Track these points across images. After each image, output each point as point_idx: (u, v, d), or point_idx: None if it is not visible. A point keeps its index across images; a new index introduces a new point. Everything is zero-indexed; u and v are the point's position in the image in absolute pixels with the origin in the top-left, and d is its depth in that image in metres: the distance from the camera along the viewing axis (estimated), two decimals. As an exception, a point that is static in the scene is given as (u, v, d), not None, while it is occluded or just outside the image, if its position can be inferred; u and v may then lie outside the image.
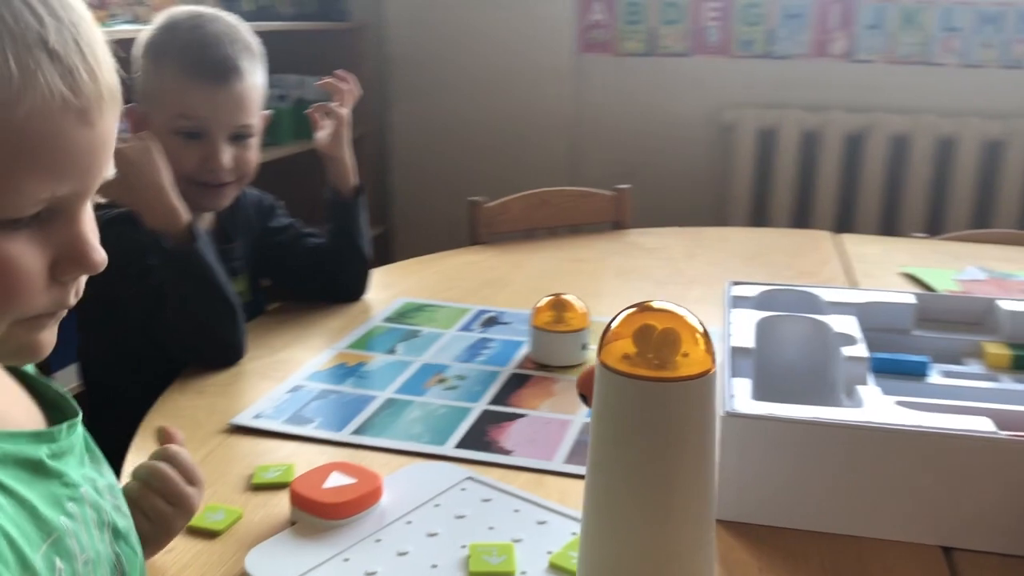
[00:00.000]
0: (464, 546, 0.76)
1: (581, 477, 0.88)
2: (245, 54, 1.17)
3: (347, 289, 1.38)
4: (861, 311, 1.03)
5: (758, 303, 1.06)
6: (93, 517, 0.58)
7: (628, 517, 0.60)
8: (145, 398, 1.04)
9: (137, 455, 0.88)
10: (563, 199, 1.85)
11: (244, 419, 0.99)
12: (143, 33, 1.18)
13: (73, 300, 0.54)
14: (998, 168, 2.58)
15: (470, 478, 0.87)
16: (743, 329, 0.97)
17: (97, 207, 0.56)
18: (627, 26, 2.85)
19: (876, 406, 0.81)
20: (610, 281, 1.50)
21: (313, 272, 1.34)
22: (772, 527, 0.79)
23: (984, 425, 0.76)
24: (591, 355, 1.17)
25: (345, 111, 1.31)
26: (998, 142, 2.56)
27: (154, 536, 0.73)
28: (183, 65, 1.13)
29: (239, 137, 1.18)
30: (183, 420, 1.00)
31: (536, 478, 0.89)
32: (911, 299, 1.07)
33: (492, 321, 1.31)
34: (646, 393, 0.57)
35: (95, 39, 0.50)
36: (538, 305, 1.17)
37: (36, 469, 0.55)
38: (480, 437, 0.96)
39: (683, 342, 0.58)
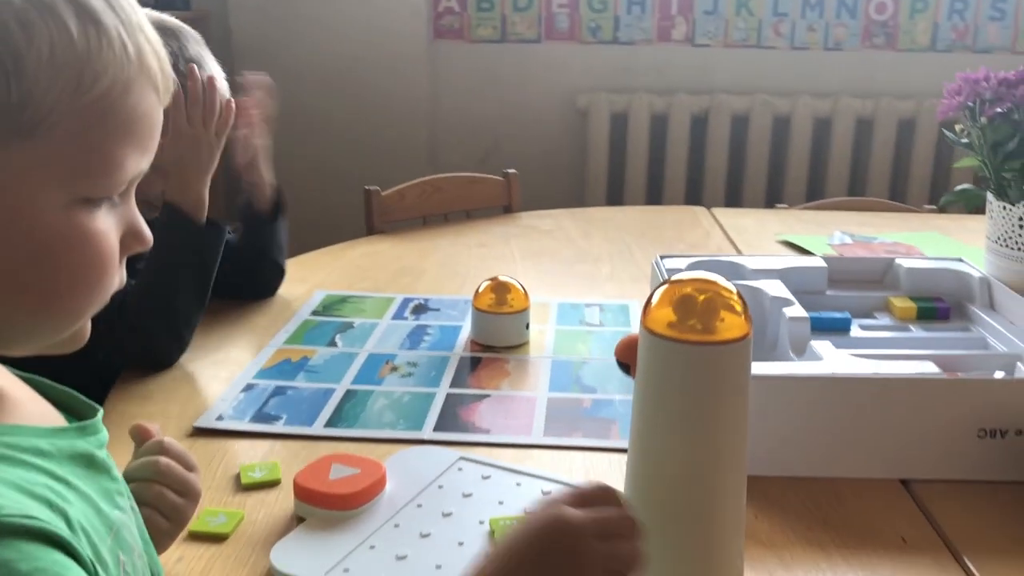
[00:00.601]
0: (482, 522, 0.78)
1: (565, 448, 0.93)
2: None
3: (261, 291, 1.35)
4: (782, 276, 1.12)
5: (691, 274, 1.13)
6: (132, 510, 0.58)
7: (672, 473, 0.64)
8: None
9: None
10: (455, 185, 1.87)
11: (207, 422, 0.97)
12: None
13: (124, 277, 0.54)
14: (828, 143, 2.81)
15: (462, 458, 0.89)
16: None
17: None
18: (479, 13, 2.89)
19: (836, 359, 0.89)
20: (521, 263, 1.54)
21: (225, 273, 1.29)
22: (754, 476, 0.86)
23: (931, 368, 0.86)
24: (535, 335, 1.21)
25: (260, 142, 1.28)
26: (827, 119, 2.79)
27: (170, 531, 0.71)
28: None
29: None
30: (138, 428, 0.96)
31: (522, 453, 0.92)
32: (822, 263, 1.17)
33: (421, 308, 1.32)
34: (693, 356, 0.62)
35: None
36: (479, 289, 1.20)
37: (89, 464, 0.54)
38: (454, 419, 0.98)
39: (721, 308, 0.63)
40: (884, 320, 1.12)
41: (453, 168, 2.01)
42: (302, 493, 0.79)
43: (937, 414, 0.85)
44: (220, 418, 0.98)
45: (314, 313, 1.30)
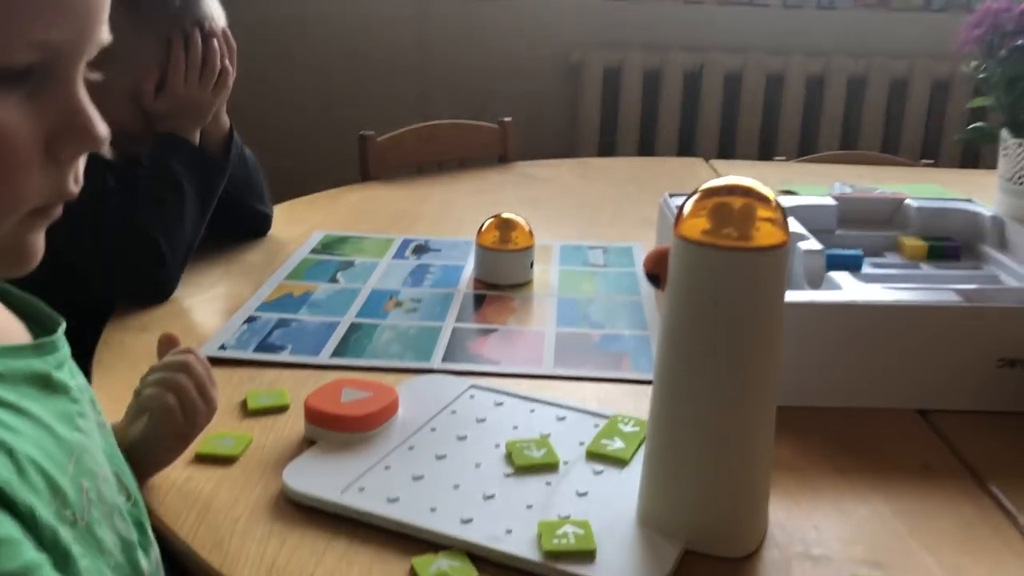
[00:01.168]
0: (498, 445, 0.76)
1: (575, 379, 0.91)
2: None
3: (250, 232, 1.31)
4: (794, 214, 1.10)
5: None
6: (97, 430, 0.55)
7: (703, 389, 0.62)
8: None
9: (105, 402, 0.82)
10: (450, 133, 1.84)
11: (209, 350, 0.94)
12: None
13: (74, 188, 0.47)
14: (820, 101, 2.79)
15: (473, 386, 0.87)
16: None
17: None
18: (471, -34, 2.84)
19: (855, 288, 0.88)
20: (520, 209, 1.51)
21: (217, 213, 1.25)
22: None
23: (954, 297, 0.85)
24: (538, 274, 1.19)
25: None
26: (819, 78, 2.77)
27: (183, 433, 0.70)
28: None
29: None
30: (137, 356, 0.93)
31: (533, 384, 0.90)
32: (831, 202, 1.15)
33: (422, 249, 1.29)
34: (730, 263, 0.60)
35: None
36: (483, 227, 1.17)
37: (46, 384, 0.50)
38: (463, 351, 0.96)
39: (759, 215, 0.61)
40: (894, 259, 1.11)
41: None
42: (313, 416, 0.77)
43: (957, 343, 0.84)
44: (223, 347, 0.95)
45: (313, 251, 1.27)
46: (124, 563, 0.52)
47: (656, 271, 0.64)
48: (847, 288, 0.88)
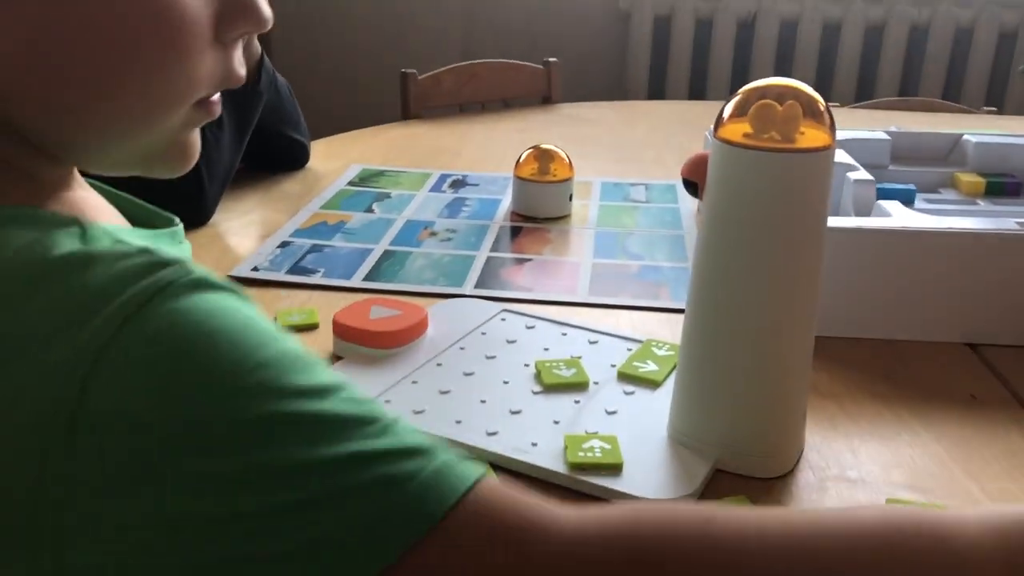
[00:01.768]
0: (527, 364, 0.74)
1: (609, 307, 0.89)
2: None
3: (288, 167, 1.30)
4: (844, 147, 1.06)
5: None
6: None
7: (740, 298, 0.60)
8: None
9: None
10: (493, 72, 1.81)
11: (242, 271, 0.94)
12: None
13: (242, 72, 0.46)
14: (878, 50, 2.70)
15: (505, 310, 0.85)
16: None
17: None
18: (521, -91, 2.78)
19: (905, 216, 0.84)
20: (562, 148, 1.48)
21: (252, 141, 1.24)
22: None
23: (1012, 225, 0.80)
24: (577, 208, 1.16)
25: None
26: (879, 26, 2.68)
27: None
28: None
29: None
30: (171, 277, 0.93)
31: (566, 310, 0.88)
32: (885, 136, 1.11)
33: (460, 183, 1.27)
34: (770, 166, 0.57)
35: None
36: (521, 158, 1.15)
37: None
38: (496, 279, 0.94)
39: (804, 117, 0.58)
40: (950, 195, 1.06)
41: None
42: (341, 331, 0.76)
43: (1013, 275, 0.80)
44: (256, 269, 0.94)
45: (350, 184, 1.25)
46: None
47: (694, 178, 0.61)
48: (897, 215, 0.84)
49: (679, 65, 2.74)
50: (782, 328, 0.60)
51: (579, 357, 0.76)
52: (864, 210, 0.91)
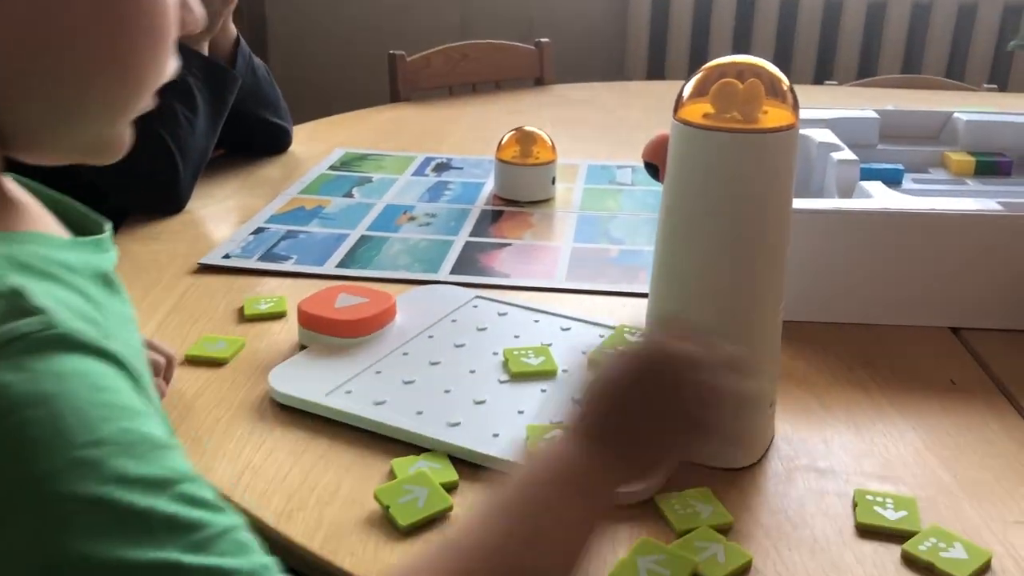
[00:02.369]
0: (496, 353, 0.73)
1: (588, 292, 0.87)
2: None
3: (269, 150, 1.29)
4: (830, 126, 1.04)
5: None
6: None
7: (700, 285, 0.58)
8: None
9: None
10: (484, 53, 1.78)
11: (213, 259, 0.92)
12: None
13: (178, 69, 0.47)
14: (880, 27, 2.66)
15: (478, 296, 0.83)
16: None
17: None
18: None
19: (887, 197, 0.82)
20: (552, 130, 1.46)
21: (226, 133, 1.22)
22: (790, 321, 0.80)
23: (995, 206, 0.78)
24: (561, 192, 1.14)
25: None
26: (881, 3, 2.63)
27: None
28: None
29: None
30: (143, 264, 0.92)
31: (541, 296, 0.86)
32: (874, 114, 1.08)
33: (443, 167, 1.25)
34: (731, 147, 0.55)
35: None
36: (503, 140, 1.13)
37: (108, 284, 0.46)
38: (473, 264, 0.93)
39: (766, 96, 0.56)
40: (939, 175, 1.04)
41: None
42: (306, 319, 0.74)
43: (997, 257, 0.78)
44: (227, 256, 0.93)
45: (331, 168, 1.24)
46: None
47: (654, 160, 0.59)
48: (878, 197, 0.82)
49: (678, 44, 2.70)
50: (746, 314, 0.58)
51: (549, 345, 0.74)
52: (848, 191, 0.89)
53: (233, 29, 1.16)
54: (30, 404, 0.32)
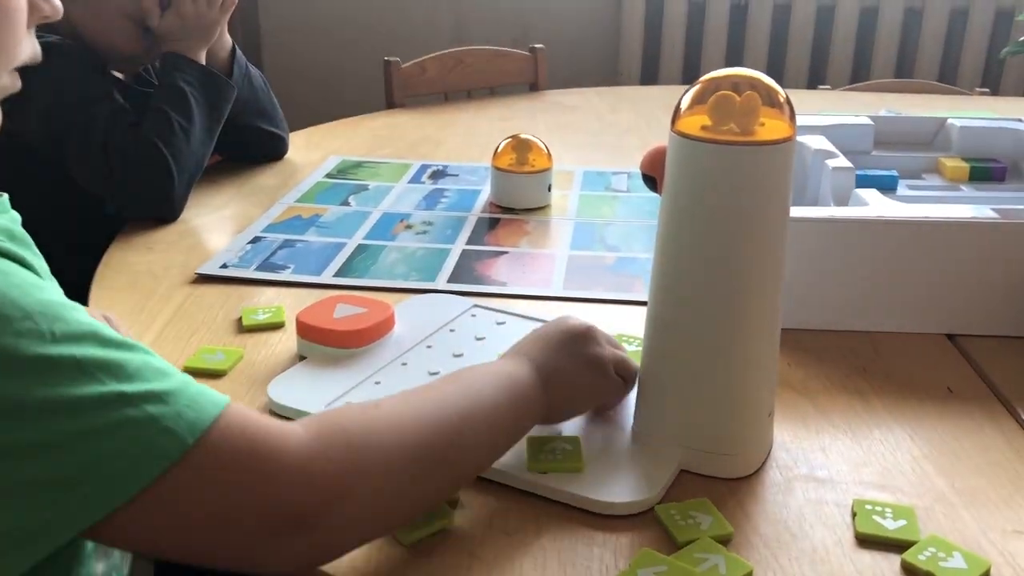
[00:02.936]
0: (495, 363, 0.73)
1: (585, 300, 0.87)
2: None
3: (264, 156, 1.29)
4: (825, 133, 1.04)
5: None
6: None
7: (699, 295, 0.58)
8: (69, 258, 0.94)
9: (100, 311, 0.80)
10: (479, 59, 1.78)
11: (210, 268, 0.92)
12: None
13: (39, 53, 0.54)
14: (873, 33, 2.67)
15: (476, 305, 0.83)
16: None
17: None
18: None
19: (882, 205, 0.82)
20: (546, 137, 1.46)
21: (223, 143, 1.22)
22: (787, 329, 0.80)
23: (990, 213, 0.78)
24: (557, 199, 1.14)
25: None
26: (873, 8, 2.65)
27: None
28: None
29: None
30: (139, 274, 0.92)
31: (539, 305, 0.86)
32: (868, 121, 1.09)
33: (439, 174, 1.26)
34: (728, 159, 0.55)
35: None
36: (499, 148, 1.13)
37: (12, 236, 0.50)
38: (469, 273, 0.93)
39: (763, 108, 0.56)
40: (933, 181, 1.04)
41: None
42: (304, 330, 0.74)
43: (992, 265, 0.78)
44: (224, 266, 0.93)
45: (328, 176, 1.24)
46: None
47: (652, 172, 0.59)
48: (873, 204, 0.82)
49: (672, 49, 2.71)
50: (745, 324, 0.58)
51: (548, 354, 0.74)
52: (843, 198, 0.89)
53: (229, 39, 1.16)
54: None
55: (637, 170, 1.31)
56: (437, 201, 1.14)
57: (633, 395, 0.64)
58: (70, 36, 1.05)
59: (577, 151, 1.37)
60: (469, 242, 1.01)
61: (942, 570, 0.51)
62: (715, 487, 0.59)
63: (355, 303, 0.78)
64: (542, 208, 1.12)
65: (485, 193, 1.17)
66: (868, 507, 0.56)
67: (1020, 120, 1.10)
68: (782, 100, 0.56)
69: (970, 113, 1.44)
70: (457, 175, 1.25)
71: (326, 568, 0.52)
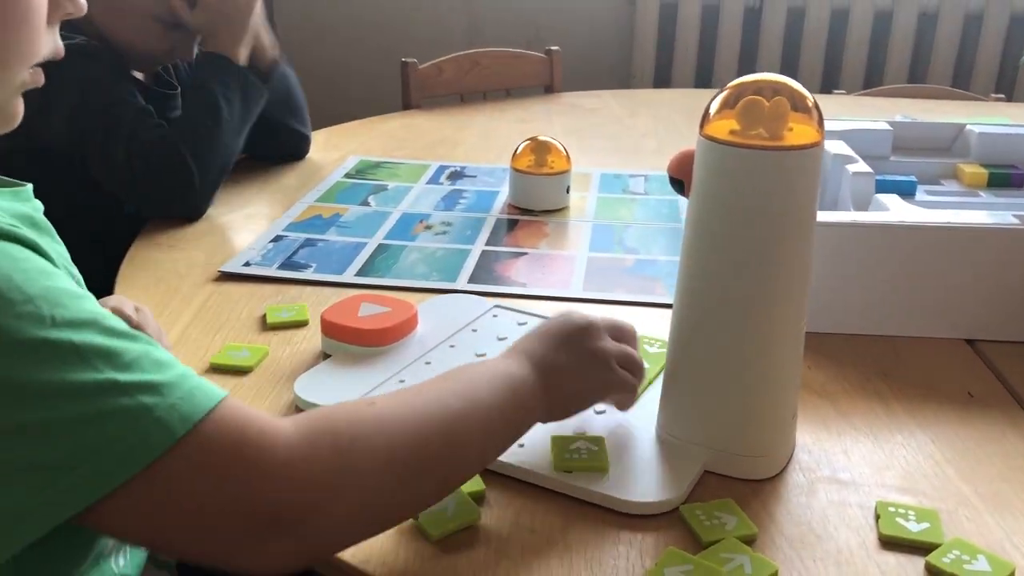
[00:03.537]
0: (518, 364, 0.73)
1: (605, 302, 0.88)
2: None
3: (287, 157, 1.30)
4: (844, 138, 1.04)
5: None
6: None
7: (726, 298, 0.59)
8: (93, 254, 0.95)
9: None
10: (495, 61, 1.79)
11: (233, 267, 0.93)
12: None
13: (62, 48, 0.54)
14: (887, 38, 2.67)
15: (497, 306, 0.84)
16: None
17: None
18: None
19: (903, 210, 0.82)
20: (563, 138, 1.47)
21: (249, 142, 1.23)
22: (808, 333, 0.81)
23: (1010, 219, 0.79)
24: (575, 200, 1.15)
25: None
26: (887, 13, 2.65)
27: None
28: None
29: None
30: (161, 272, 0.93)
31: (559, 306, 0.87)
32: (887, 127, 1.09)
33: (457, 175, 1.26)
34: (757, 164, 0.56)
35: None
36: (517, 150, 1.14)
37: (34, 224, 0.52)
38: (489, 273, 0.94)
39: (792, 113, 0.56)
40: (952, 187, 1.05)
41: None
42: (329, 329, 0.75)
43: (1011, 269, 0.78)
44: (247, 264, 0.94)
45: (347, 176, 1.25)
46: None
47: (680, 176, 0.60)
48: (894, 209, 0.83)
49: (686, 52, 2.71)
50: (770, 327, 0.59)
51: (570, 355, 0.74)
52: (863, 203, 0.90)
53: (274, 40, 1.18)
54: None
55: (654, 173, 1.33)
56: (456, 202, 1.15)
57: (656, 396, 0.65)
58: (95, 37, 1.06)
59: (593, 153, 1.38)
60: (489, 243, 1.02)
61: (967, 573, 0.52)
62: (739, 488, 0.60)
63: (379, 302, 0.78)
64: (560, 210, 1.13)
65: (503, 194, 1.17)
66: (891, 509, 0.57)
67: (1039, 127, 1.10)
68: (810, 105, 0.57)
69: (988, 119, 1.44)
70: (475, 176, 1.26)
71: (355, 562, 0.53)
